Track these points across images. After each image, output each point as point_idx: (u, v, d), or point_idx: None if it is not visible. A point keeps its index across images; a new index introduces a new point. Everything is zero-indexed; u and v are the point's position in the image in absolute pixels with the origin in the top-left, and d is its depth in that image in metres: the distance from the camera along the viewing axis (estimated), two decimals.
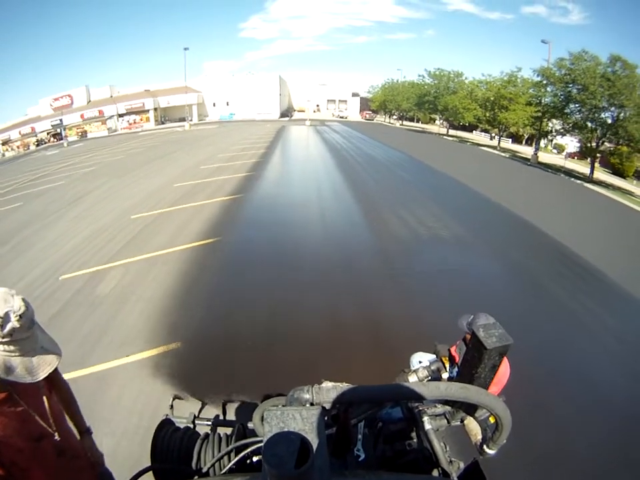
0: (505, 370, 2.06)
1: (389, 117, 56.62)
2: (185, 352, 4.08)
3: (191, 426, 1.48)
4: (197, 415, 1.62)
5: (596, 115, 20.31)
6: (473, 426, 1.23)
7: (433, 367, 1.98)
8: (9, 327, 1.01)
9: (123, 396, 3.55)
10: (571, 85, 20.71)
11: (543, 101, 23.95)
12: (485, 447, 1.09)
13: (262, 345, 4.23)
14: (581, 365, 4.41)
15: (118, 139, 32.63)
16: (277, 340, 4.33)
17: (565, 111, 22.01)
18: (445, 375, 2.01)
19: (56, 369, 1.37)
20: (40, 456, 1.17)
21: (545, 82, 22.87)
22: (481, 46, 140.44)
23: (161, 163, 16.71)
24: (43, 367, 1.10)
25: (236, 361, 3.94)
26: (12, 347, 1.03)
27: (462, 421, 1.24)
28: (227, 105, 52.59)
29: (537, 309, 5.63)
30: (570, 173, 22.17)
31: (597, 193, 17.39)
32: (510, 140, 37.94)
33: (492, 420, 1.03)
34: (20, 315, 1.03)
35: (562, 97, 21.85)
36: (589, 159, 22.92)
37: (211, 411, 2.79)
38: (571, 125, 22.50)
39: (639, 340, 5.10)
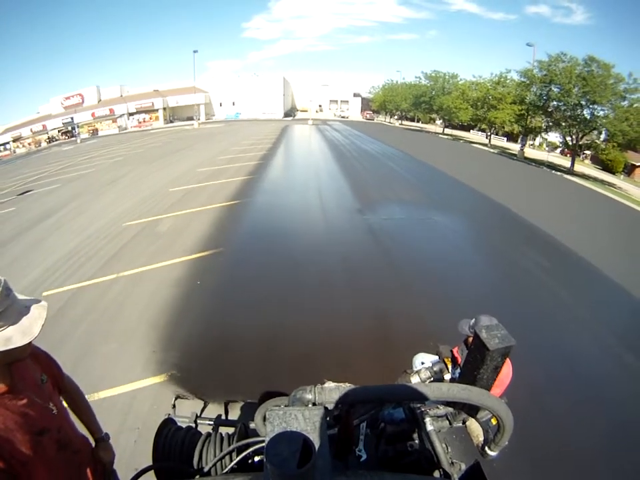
0: (507, 371, 2.12)
1: (390, 117, 58.30)
2: (226, 251, 6.61)
3: (193, 425, 1.51)
4: (199, 415, 1.64)
5: (577, 111, 21.91)
6: (474, 427, 1.22)
7: (435, 368, 2.02)
8: None
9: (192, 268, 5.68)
10: (549, 85, 22.43)
11: (527, 100, 25.56)
12: (486, 448, 1.09)
13: (267, 249, 6.79)
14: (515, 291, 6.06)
15: (130, 136, 34.38)
16: (281, 242, 7.09)
17: (548, 109, 23.72)
18: (447, 376, 2.03)
19: (64, 378, 1.43)
20: (41, 450, 1.14)
21: (528, 82, 24.56)
22: (483, 46, 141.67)
23: (180, 154, 18.62)
24: (34, 323, 1.09)
25: (256, 252, 6.64)
26: (1, 322, 1.02)
27: (464, 423, 1.25)
28: (233, 104, 54.47)
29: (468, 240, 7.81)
30: (553, 167, 23.68)
31: (568, 180, 19.05)
32: (505, 138, 39.43)
33: (494, 421, 1.03)
34: None
35: (543, 95, 23.59)
36: (577, 154, 24.47)
37: (213, 411, 2.90)
38: (552, 121, 24.22)
39: (560, 270, 6.88)
